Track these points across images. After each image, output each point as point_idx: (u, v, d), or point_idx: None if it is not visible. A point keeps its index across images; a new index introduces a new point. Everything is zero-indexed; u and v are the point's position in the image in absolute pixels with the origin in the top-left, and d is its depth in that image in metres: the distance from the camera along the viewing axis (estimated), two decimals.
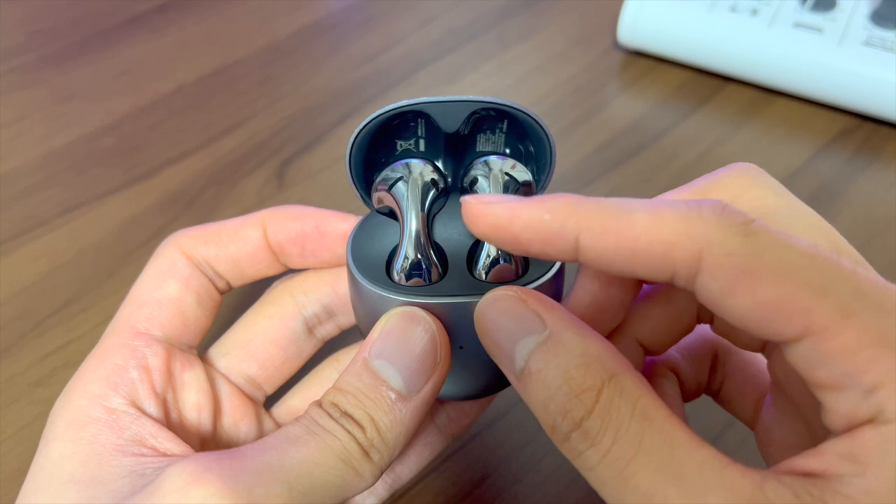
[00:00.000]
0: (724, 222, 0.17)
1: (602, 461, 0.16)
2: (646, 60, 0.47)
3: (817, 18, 0.43)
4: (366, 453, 0.19)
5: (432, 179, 0.21)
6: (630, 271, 0.18)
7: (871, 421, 0.16)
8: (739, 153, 0.41)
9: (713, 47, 0.44)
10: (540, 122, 0.21)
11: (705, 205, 0.17)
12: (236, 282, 0.25)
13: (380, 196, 0.22)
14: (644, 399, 0.17)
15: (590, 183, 0.39)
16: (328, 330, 0.26)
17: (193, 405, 0.23)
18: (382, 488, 0.25)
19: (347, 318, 0.25)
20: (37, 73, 0.46)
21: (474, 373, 0.21)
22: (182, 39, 0.49)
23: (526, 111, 0.21)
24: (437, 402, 0.24)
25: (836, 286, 0.16)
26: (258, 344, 0.25)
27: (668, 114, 0.43)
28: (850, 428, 0.16)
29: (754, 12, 0.43)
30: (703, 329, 0.24)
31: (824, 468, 0.16)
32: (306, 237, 0.24)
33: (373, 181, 0.22)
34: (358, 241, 0.22)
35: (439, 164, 0.22)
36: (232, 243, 0.24)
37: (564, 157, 0.41)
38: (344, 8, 0.52)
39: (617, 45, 0.47)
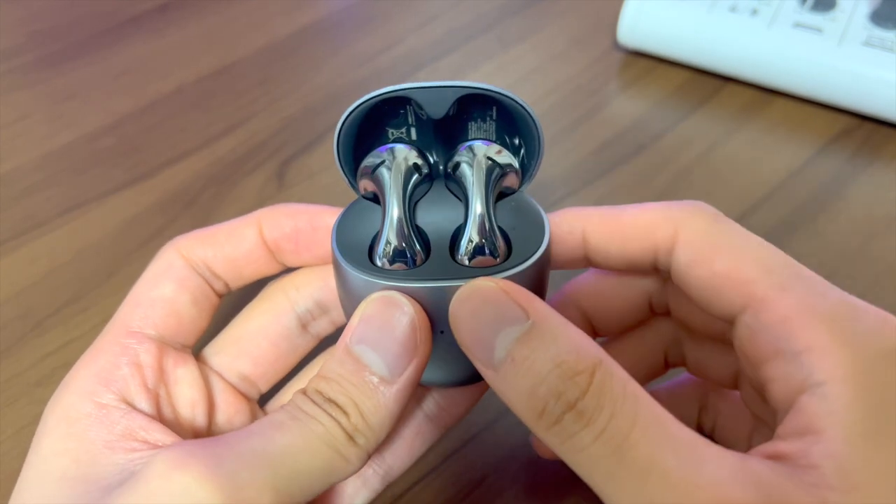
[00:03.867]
0: (698, 211, 0.21)
1: (598, 439, 0.17)
2: (646, 60, 0.47)
3: (817, 18, 0.43)
4: (350, 438, 0.19)
5: (415, 164, 0.21)
6: (624, 254, 0.22)
7: (805, 389, 0.18)
8: (739, 153, 0.41)
9: (713, 47, 0.44)
10: (526, 107, 0.21)
11: (683, 201, 0.22)
12: (235, 282, 0.25)
13: (364, 181, 0.22)
14: (630, 381, 0.18)
15: (590, 183, 0.39)
16: (322, 326, 0.26)
17: (187, 401, 0.23)
18: (376, 480, 0.25)
19: (341, 315, 0.25)
20: (37, 73, 0.46)
21: (457, 358, 0.21)
22: (182, 39, 0.49)
23: (512, 96, 0.21)
24: (424, 389, 0.25)
25: (779, 268, 0.19)
26: (250, 341, 0.25)
27: (668, 114, 0.43)
28: (790, 401, 0.18)
29: (754, 12, 0.43)
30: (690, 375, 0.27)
31: (787, 449, 0.17)
32: (300, 233, 0.24)
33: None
34: (343, 227, 0.22)
35: (427, 151, 0.22)
36: (228, 243, 0.24)
37: (564, 157, 0.41)
38: (344, 8, 0.52)
39: (617, 45, 0.47)
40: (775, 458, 0.17)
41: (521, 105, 0.21)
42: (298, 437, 0.18)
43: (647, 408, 0.17)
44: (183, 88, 0.45)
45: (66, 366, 0.32)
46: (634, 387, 0.18)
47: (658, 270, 0.23)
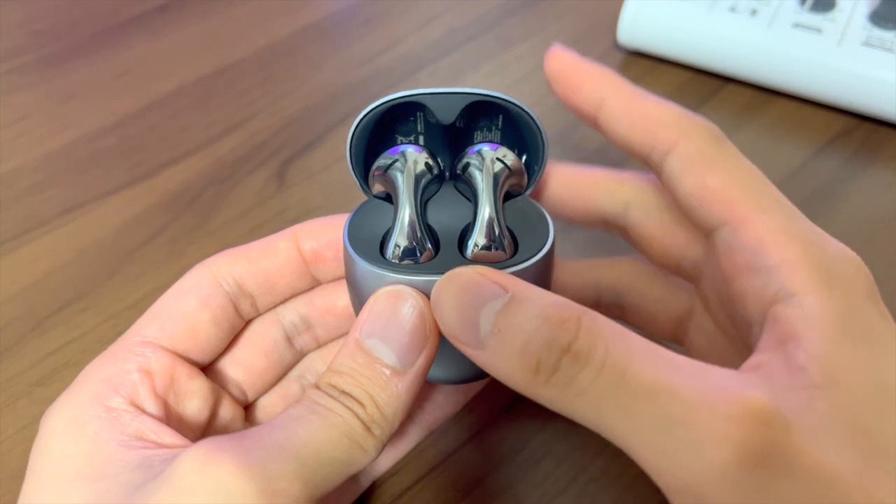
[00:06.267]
0: (705, 127, 0.22)
1: (599, 375, 0.17)
2: (646, 60, 0.47)
3: (816, 19, 0.43)
4: (367, 428, 0.19)
5: (427, 164, 0.22)
6: (628, 134, 0.23)
7: (779, 300, 0.19)
8: None
9: (713, 47, 0.44)
10: (533, 116, 0.22)
11: (697, 115, 0.22)
12: (265, 298, 0.24)
13: (377, 181, 0.23)
14: (617, 324, 0.18)
15: None
16: (306, 342, 0.26)
17: (195, 409, 0.23)
18: (361, 476, 0.25)
19: (325, 332, 0.26)
20: (37, 73, 0.46)
21: (461, 353, 0.21)
22: (182, 39, 0.49)
23: (520, 105, 0.22)
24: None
25: (763, 193, 0.21)
26: (243, 349, 0.25)
27: None
28: (763, 311, 0.19)
29: (754, 13, 0.43)
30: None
31: (769, 359, 0.18)
32: (340, 242, 0.24)
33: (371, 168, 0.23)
34: (354, 225, 0.22)
35: (435, 153, 0.23)
36: (263, 258, 0.24)
37: (564, 158, 0.41)
38: (344, 8, 0.52)
39: (617, 46, 0.47)
40: (760, 370, 0.18)
41: (528, 114, 0.22)
42: (320, 430, 0.19)
43: (639, 341, 0.18)
44: (183, 88, 0.45)
45: (67, 365, 0.32)
46: (622, 327, 0.18)
47: (650, 163, 0.24)
